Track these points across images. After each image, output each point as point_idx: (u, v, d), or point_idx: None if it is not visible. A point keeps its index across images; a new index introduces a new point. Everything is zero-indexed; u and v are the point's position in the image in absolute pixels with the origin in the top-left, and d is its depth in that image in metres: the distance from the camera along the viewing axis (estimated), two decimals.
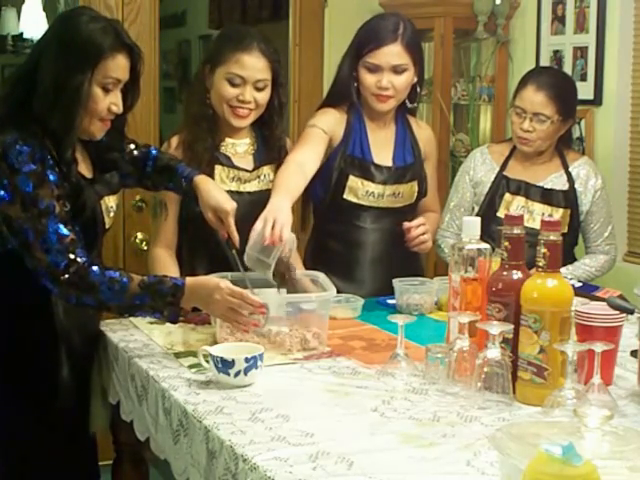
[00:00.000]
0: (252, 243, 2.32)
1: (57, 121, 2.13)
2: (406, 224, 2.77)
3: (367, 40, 2.77)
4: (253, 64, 2.61)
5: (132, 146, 2.50)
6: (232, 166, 2.70)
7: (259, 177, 2.73)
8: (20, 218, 2.09)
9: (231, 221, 2.39)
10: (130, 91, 2.25)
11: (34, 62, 2.18)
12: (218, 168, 2.67)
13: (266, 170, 2.74)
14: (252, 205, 2.65)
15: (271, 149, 2.75)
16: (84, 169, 2.29)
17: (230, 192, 2.63)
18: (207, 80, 2.67)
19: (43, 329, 2.25)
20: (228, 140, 2.72)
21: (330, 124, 2.80)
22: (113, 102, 2.19)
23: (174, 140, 2.71)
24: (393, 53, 2.73)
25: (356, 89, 2.82)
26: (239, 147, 2.73)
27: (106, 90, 2.17)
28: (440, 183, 3.24)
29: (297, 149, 2.73)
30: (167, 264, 2.65)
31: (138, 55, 2.22)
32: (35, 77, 2.15)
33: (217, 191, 2.45)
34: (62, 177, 2.16)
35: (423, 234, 2.77)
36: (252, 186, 2.71)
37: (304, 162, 2.66)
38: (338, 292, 2.62)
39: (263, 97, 2.65)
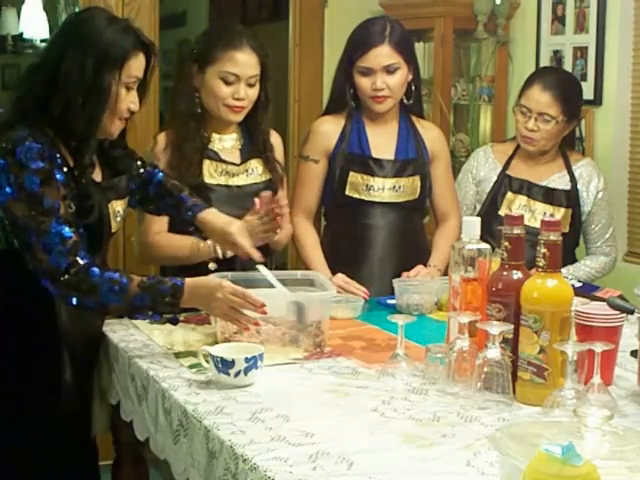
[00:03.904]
0: None
1: (82, 122, 2.13)
2: (404, 275, 2.76)
3: (357, 46, 2.82)
4: (246, 61, 2.62)
5: (139, 163, 2.47)
6: (220, 160, 2.71)
7: (247, 171, 2.74)
8: (24, 217, 2.09)
9: (241, 240, 2.36)
10: (140, 89, 2.25)
11: (53, 64, 2.15)
12: (206, 162, 2.69)
13: (254, 164, 2.76)
14: (240, 199, 2.66)
15: (256, 143, 2.76)
16: (94, 173, 2.29)
17: (219, 186, 2.66)
18: (196, 79, 2.68)
19: (47, 332, 2.25)
20: (215, 136, 2.73)
21: (321, 146, 2.88)
22: (132, 101, 2.20)
23: (161, 138, 2.71)
24: (383, 54, 2.78)
25: (354, 94, 2.86)
26: (226, 142, 2.74)
27: (127, 89, 2.18)
28: None
29: (298, 195, 2.90)
30: (170, 238, 2.65)
31: (154, 53, 2.24)
32: (55, 79, 2.13)
33: (219, 218, 2.42)
34: (71, 178, 2.15)
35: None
36: (240, 180, 2.73)
37: (308, 212, 2.89)
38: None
39: (254, 93, 2.67)
